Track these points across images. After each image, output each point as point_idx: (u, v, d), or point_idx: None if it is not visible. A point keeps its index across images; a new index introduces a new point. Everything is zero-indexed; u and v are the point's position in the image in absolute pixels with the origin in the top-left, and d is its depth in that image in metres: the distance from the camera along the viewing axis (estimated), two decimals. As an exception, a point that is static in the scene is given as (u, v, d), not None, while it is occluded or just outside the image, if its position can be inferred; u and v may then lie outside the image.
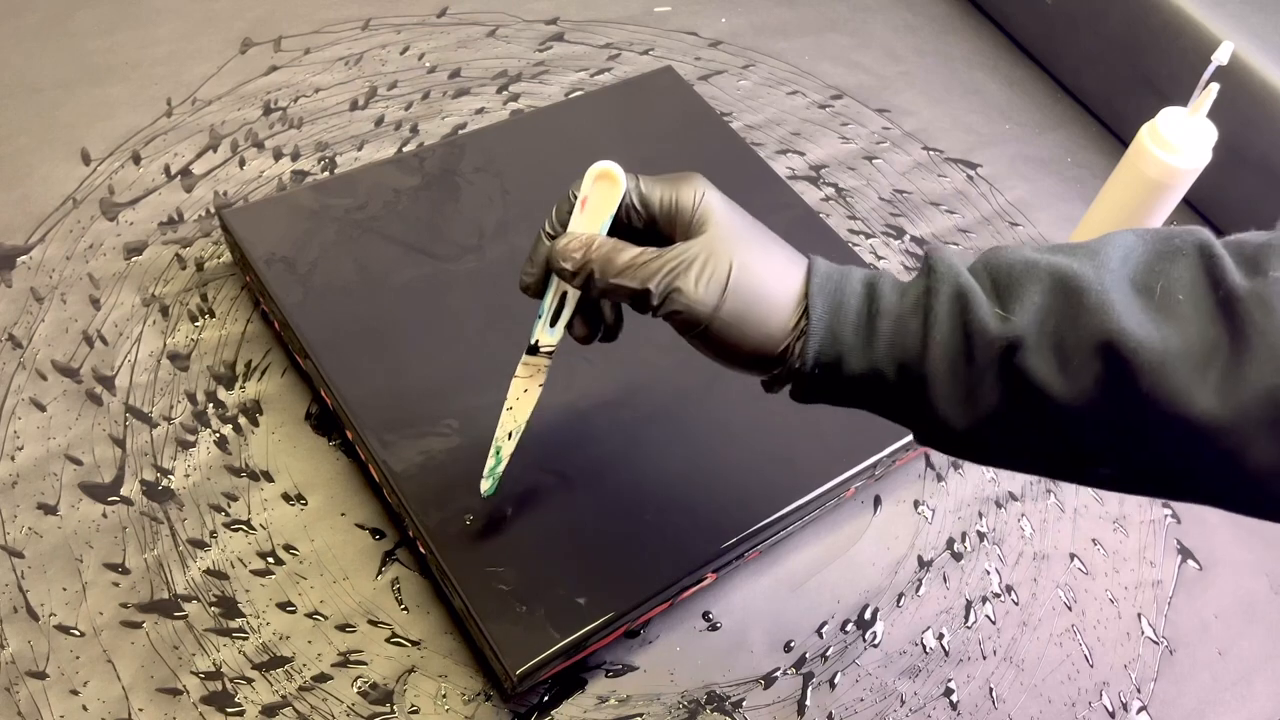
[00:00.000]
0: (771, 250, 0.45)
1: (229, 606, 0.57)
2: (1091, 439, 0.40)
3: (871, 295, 0.43)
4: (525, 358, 0.51)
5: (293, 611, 0.57)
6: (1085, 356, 0.38)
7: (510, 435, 0.54)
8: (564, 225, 0.47)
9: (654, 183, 0.46)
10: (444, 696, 0.56)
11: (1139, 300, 0.39)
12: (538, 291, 0.48)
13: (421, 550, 0.57)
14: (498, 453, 0.54)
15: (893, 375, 0.42)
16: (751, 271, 0.43)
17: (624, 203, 0.45)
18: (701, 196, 0.45)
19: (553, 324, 0.49)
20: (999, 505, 0.68)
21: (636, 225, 0.46)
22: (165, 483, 0.61)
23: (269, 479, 0.62)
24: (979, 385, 0.41)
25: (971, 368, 0.41)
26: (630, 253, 0.44)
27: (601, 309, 0.49)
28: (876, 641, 0.61)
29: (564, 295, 0.49)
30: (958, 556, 0.65)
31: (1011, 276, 0.41)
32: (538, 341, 0.50)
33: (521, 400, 0.53)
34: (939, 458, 0.70)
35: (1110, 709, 0.61)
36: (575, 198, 0.46)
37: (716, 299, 0.43)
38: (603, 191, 0.45)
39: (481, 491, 0.55)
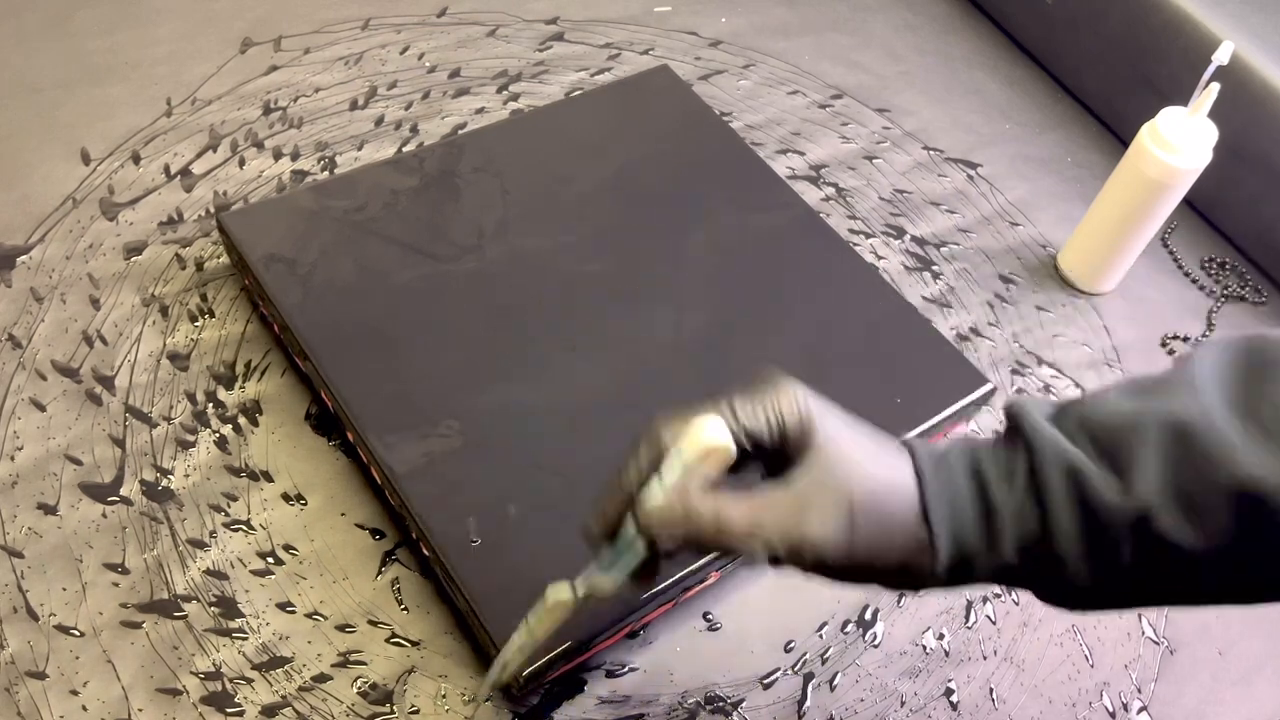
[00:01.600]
0: (877, 457, 0.42)
1: (229, 607, 0.57)
2: (1223, 576, 0.39)
3: (982, 490, 0.41)
4: (563, 597, 0.45)
5: (292, 612, 0.57)
6: (1216, 506, 0.37)
7: (519, 649, 0.48)
8: (650, 468, 0.41)
9: (754, 410, 0.41)
10: (444, 697, 0.56)
11: (1252, 431, 0.37)
12: (604, 541, 0.43)
13: (425, 552, 0.57)
14: (505, 666, 0.49)
15: (1019, 561, 0.41)
16: (871, 496, 0.40)
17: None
18: (802, 414, 0.41)
19: (608, 569, 0.43)
20: (999, 505, 0.68)
21: (749, 453, 0.42)
22: (165, 483, 0.61)
23: (269, 479, 0.62)
24: (1106, 552, 0.39)
25: (1097, 541, 0.39)
26: (740, 517, 0.40)
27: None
28: (877, 642, 0.61)
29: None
30: (958, 557, 0.65)
31: (1114, 437, 0.39)
32: (589, 594, 0.44)
33: (543, 623, 0.46)
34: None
35: (1111, 709, 0.61)
36: (665, 447, 0.41)
37: (844, 539, 0.40)
38: (710, 461, 0.41)
39: (478, 699, 0.52)
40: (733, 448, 0.41)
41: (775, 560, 0.41)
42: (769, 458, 0.42)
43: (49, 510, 0.59)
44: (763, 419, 0.41)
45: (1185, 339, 0.80)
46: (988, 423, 0.72)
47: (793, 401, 0.41)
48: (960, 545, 0.41)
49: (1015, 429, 0.41)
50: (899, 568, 0.41)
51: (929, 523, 0.41)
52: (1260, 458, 0.37)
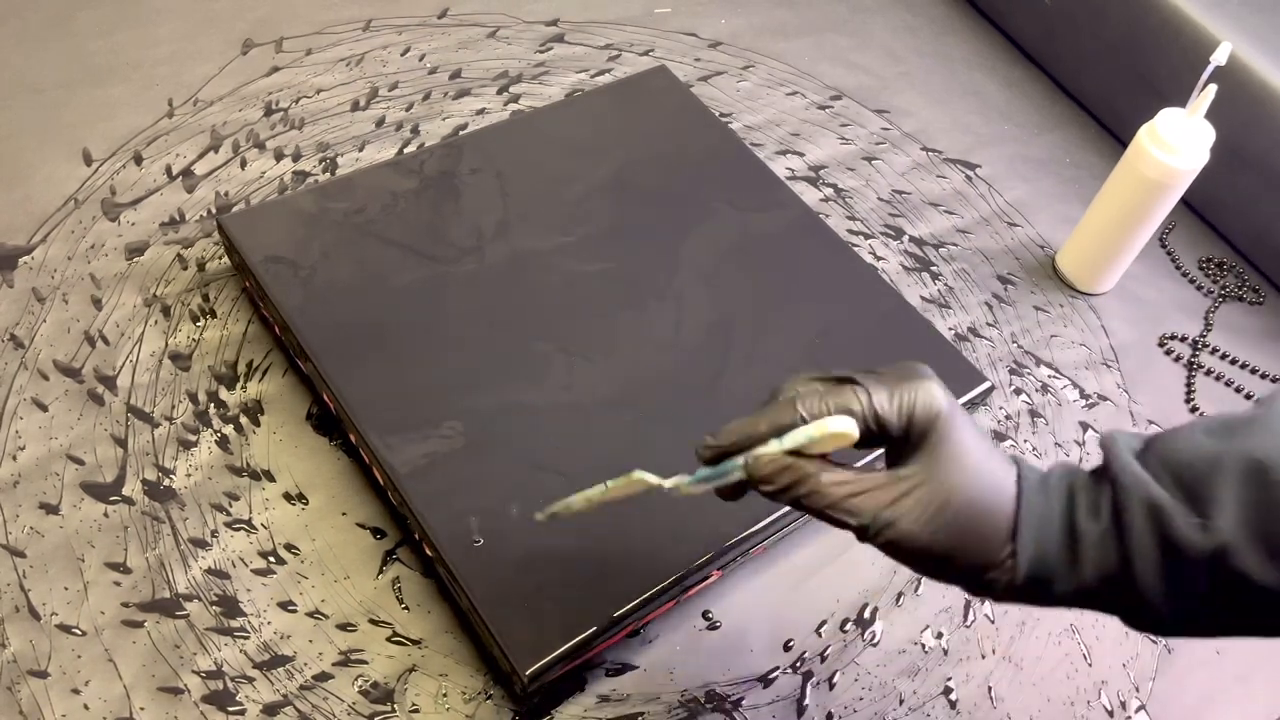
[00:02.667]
0: (987, 465, 0.43)
1: (230, 606, 0.57)
2: None
3: (1071, 516, 0.42)
4: (641, 475, 0.46)
5: (294, 611, 0.57)
6: None
7: (588, 498, 0.48)
8: (775, 432, 0.43)
9: (890, 399, 0.43)
10: (445, 695, 0.56)
11: None
12: (711, 463, 0.45)
13: (428, 552, 0.57)
14: (568, 505, 0.49)
15: (1098, 588, 0.42)
16: (969, 503, 0.42)
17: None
18: (934, 410, 0.42)
19: (700, 481, 0.45)
20: (998, 505, 0.68)
21: (872, 439, 0.44)
22: (167, 482, 0.61)
23: (270, 478, 0.62)
24: (1186, 586, 0.41)
25: (1177, 576, 0.40)
26: (843, 486, 0.42)
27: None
28: (876, 640, 0.62)
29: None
30: (957, 556, 0.65)
31: (1196, 475, 0.40)
32: (677, 486, 0.45)
33: (619, 489, 0.47)
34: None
35: (1109, 708, 0.61)
36: (802, 417, 0.42)
37: (931, 532, 0.42)
38: (832, 440, 0.42)
39: (536, 516, 0.51)
40: (856, 437, 0.42)
41: (861, 533, 0.42)
42: (888, 443, 0.44)
43: (51, 510, 0.59)
44: (896, 408, 0.42)
45: (1183, 339, 0.80)
46: (986, 422, 0.72)
47: (929, 398, 0.43)
48: (1041, 563, 0.42)
49: (1105, 463, 0.43)
50: (977, 571, 0.43)
51: (1015, 537, 0.42)
52: None
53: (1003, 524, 0.42)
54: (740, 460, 0.43)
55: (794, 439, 0.42)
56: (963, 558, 0.42)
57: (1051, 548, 0.42)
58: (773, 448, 0.43)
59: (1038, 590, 0.43)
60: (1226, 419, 0.42)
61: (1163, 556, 0.40)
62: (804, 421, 0.42)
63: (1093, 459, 0.71)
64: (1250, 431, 0.41)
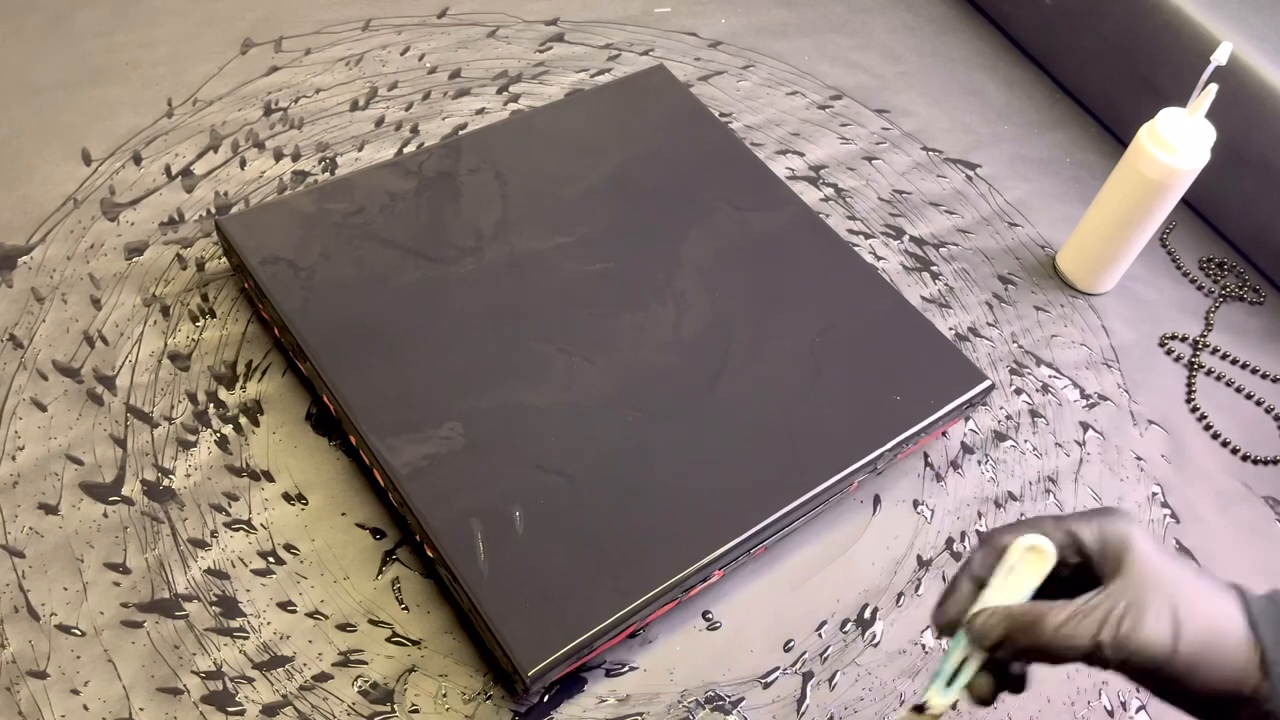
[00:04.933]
0: (1197, 577, 0.43)
1: (229, 606, 0.57)
2: None
3: None
4: (905, 715, 0.46)
5: (293, 611, 0.57)
6: None
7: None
8: (981, 578, 0.45)
9: (1088, 524, 0.44)
10: (444, 696, 0.56)
11: None
12: (949, 633, 0.46)
13: (429, 553, 0.57)
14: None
15: None
16: (1193, 605, 0.42)
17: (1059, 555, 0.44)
18: (1125, 534, 0.44)
19: (949, 684, 0.45)
20: (998, 505, 0.68)
21: (1064, 575, 0.45)
22: (166, 482, 0.61)
23: (269, 479, 0.62)
24: None
25: None
26: (1060, 614, 0.42)
27: (1007, 665, 0.46)
28: (876, 641, 0.61)
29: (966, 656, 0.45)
30: (957, 556, 0.65)
31: None
32: (926, 703, 0.45)
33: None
34: (938, 457, 0.70)
35: (1109, 708, 0.61)
36: (1001, 549, 0.44)
37: (1170, 638, 0.41)
38: (1031, 563, 0.44)
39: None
40: (1053, 556, 0.43)
41: (1099, 659, 0.42)
42: (1079, 577, 0.44)
43: (50, 510, 0.59)
44: (1094, 533, 0.44)
45: (1184, 339, 0.80)
46: (986, 422, 0.72)
47: (1124, 523, 0.44)
48: None
49: None
50: (1228, 688, 0.42)
51: (1259, 638, 0.42)
52: None
53: (1236, 621, 0.42)
54: (962, 641, 0.44)
55: (996, 579, 0.44)
56: (1211, 669, 0.41)
57: None
58: (983, 598, 0.44)
59: None
60: None
61: None
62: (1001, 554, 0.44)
63: (1093, 459, 0.72)
64: None
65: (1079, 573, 0.45)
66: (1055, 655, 0.42)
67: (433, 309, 0.65)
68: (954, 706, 0.46)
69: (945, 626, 0.45)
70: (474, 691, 0.56)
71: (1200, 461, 0.73)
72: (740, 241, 0.72)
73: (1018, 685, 0.46)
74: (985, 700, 0.45)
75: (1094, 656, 0.42)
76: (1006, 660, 0.45)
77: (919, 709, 0.45)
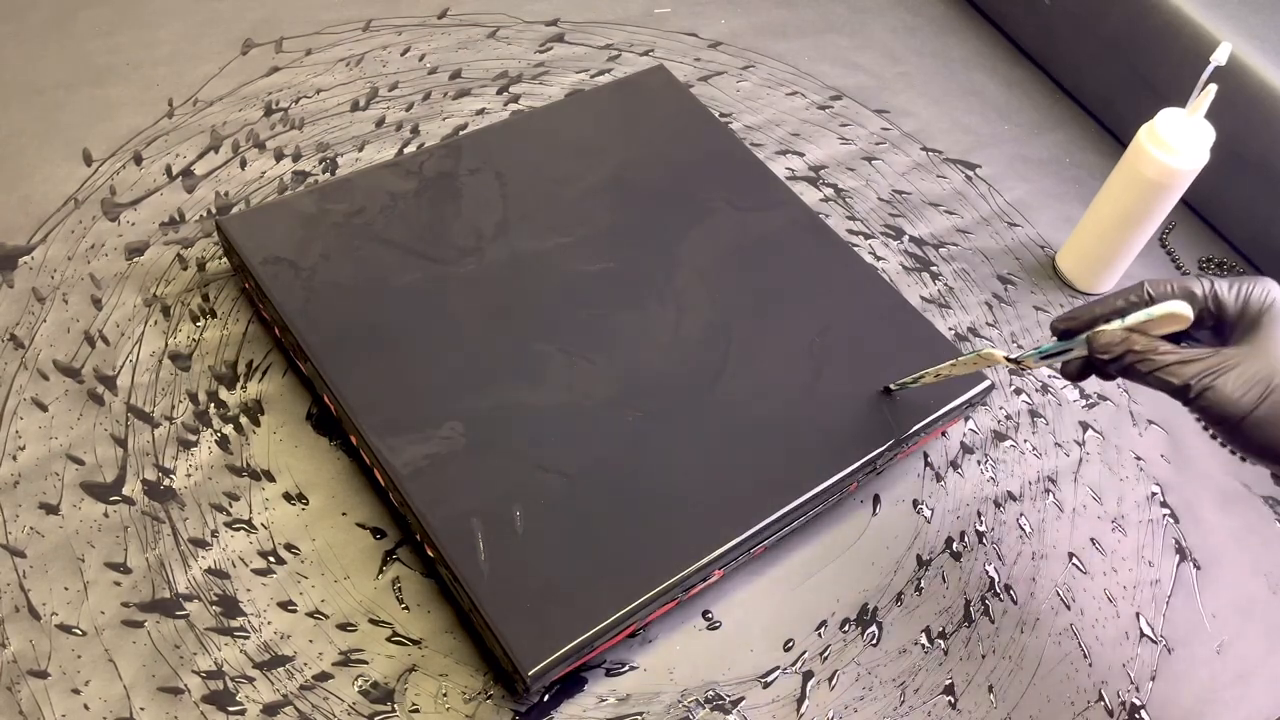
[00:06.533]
0: None
1: (230, 606, 0.57)
2: None
3: None
4: (990, 350, 0.56)
5: (294, 611, 0.57)
6: None
7: (936, 373, 0.61)
8: (1120, 313, 0.50)
9: (1228, 284, 0.49)
10: (445, 695, 0.56)
11: None
12: (1067, 337, 0.52)
13: (430, 553, 0.57)
14: (919, 378, 0.62)
15: None
16: None
17: (1202, 306, 0.49)
18: (1267, 302, 0.48)
19: (1044, 357, 0.53)
20: (998, 505, 0.68)
21: (1207, 325, 0.50)
22: (167, 482, 0.61)
23: (270, 478, 0.62)
24: None
25: None
26: (1172, 355, 0.48)
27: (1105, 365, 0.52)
28: (876, 640, 0.62)
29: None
30: (957, 556, 0.66)
31: None
32: (1020, 357, 0.54)
33: (968, 365, 0.59)
34: (938, 457, 0.70)
35: (1109, 708, 0.61)
36: (1149, 297, 0.50)
37: (1252, 402, 0.46)
38: (1167, 321, 0.49)
39: (889, 386, 0.63)
40: (1190, 318, 0.48)
41: (1183, 394, 0.47)
42: (1221, 330, 0.50)
43: (51, 510, 0.59)
44: (1234, 294, 0.49)
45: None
46: (986, 422, 0.72)
47: (1264, 289, 0.48)
48: None
49: None
50: None
51: None
52: None
53: None
54: (1084, 336, 0.51)
55: (1135, 317, 0.49)
56: None
57: None
58: (1115, 324, 0.50)
59: None
60: None
61: None
62: (1149, 302, 0.49)
63: (1093, 459, 0.72)
64: None
65: (1208, 330, 0.50)
66: (1151, 384, 0.48)
67: (433, 309, 0.65)
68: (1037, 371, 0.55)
69: (1067, 330, 0.52)
70: (474, 691, 0.56)
71: (1200, 461, 0.73)
72: (740, 242, 0.72)
73: (1107, 376, 0.52)
74: (1074, 377, 0.52)
75: (1179, 394, 0.47)
76: (1104, 365, 0.51)
77: (1015, 360, 0.54)
